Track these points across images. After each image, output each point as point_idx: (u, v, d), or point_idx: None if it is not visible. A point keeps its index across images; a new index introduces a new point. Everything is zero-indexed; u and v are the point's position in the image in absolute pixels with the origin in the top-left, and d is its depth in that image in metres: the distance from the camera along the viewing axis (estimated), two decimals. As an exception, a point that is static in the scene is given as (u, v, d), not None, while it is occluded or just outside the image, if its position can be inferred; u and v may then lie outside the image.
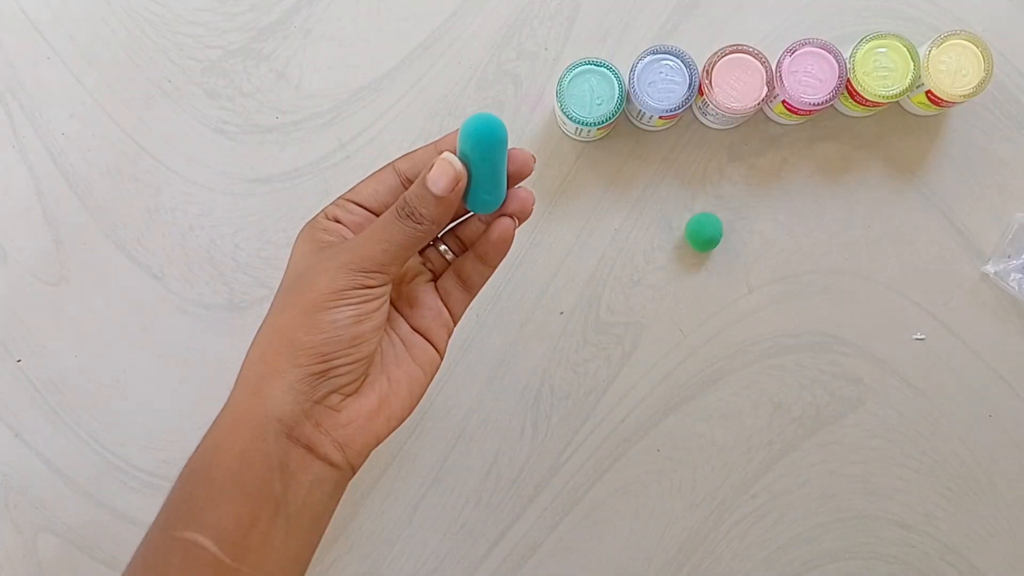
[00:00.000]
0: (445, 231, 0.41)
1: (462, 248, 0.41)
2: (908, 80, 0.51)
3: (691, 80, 0.51)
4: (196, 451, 0.36)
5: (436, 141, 0.39)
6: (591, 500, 0.55)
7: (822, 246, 0.55)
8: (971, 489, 0.55)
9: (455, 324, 0.41)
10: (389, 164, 0.39)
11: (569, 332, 0.55)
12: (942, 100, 0.51)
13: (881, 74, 0.51)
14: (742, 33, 0.55)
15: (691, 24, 0.56)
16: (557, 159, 0.56)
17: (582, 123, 0.51)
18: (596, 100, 0.51)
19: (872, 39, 0.51)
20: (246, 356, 0.36)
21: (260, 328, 0.37)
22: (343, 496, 0.54)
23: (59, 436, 0.55)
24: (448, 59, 0.56)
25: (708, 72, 0.51)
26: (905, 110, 0.55)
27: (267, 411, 0.34)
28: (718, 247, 0.55)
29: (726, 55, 0.51)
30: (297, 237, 0.39)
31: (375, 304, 0.35)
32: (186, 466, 0.36)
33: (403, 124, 0.56)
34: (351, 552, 0.55)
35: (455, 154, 0.36)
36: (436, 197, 0.35)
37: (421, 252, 0.41)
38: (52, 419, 0.55)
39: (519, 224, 0.39)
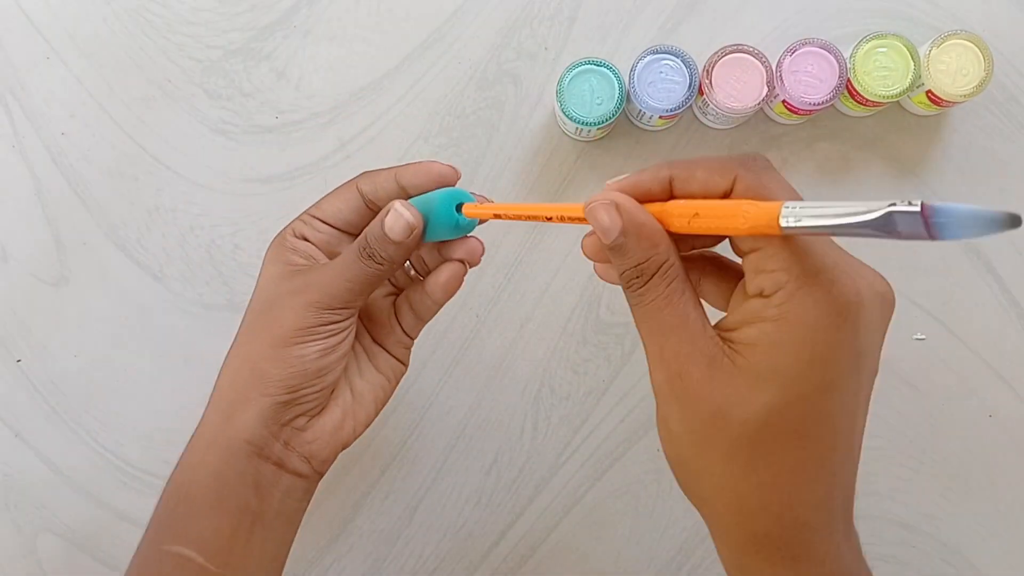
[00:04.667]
0: None
1: (424, 268, 0.42)
2: (908, 80, 0.51)
3: (691, 80, 0.51)
4: (176, 469, 0.39)
5: (397, 168, 0.40)
6: (591, 500, 0.55)
7: (822, 246, 0.55)
8: (971, 489, 0.55)
9: (412, 341, 0.43)
10: (352, 181, 0.41)
11: (569, 332, 0.55)
12: (942, 100, 0.51)
13: (881, 74, 0.51)
14: (742, 33, 0.55)
15: (691, 24, 0.56)
16: (557, 159, 0.55)
17: (582, 123, 0.51)
18: (596, 100, 0.51)
19: (872, 39, 0.51)
20: (217, 378, 0.39)
21: (230, 351, 0.39)
22: (343, 496, 0.55)
23: (59, 436, 0.55)
24: (448, 59, 0.56)
25: (708, 72, 0.51)
26: (905, 110, 0.55)
27: (237, 434, 0.37)
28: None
29: (726, 55, 0.51)
30: (266, 253, 0.40)
31: (340, 336, 0.38)
32: (168, 483, 0.39)
33: (403, 124, 0.56)
34: (351, 552, 0.55)
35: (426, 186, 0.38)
36: (393, 242, 0.37)
37: None
38: (52, 419, 0.55)
39: (469, 268, 0.40)
